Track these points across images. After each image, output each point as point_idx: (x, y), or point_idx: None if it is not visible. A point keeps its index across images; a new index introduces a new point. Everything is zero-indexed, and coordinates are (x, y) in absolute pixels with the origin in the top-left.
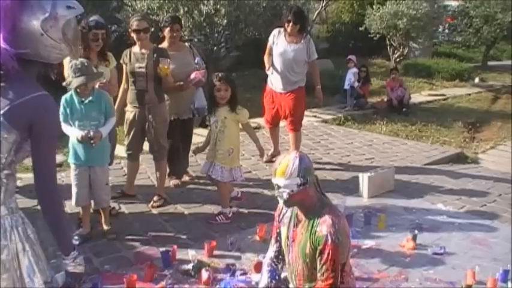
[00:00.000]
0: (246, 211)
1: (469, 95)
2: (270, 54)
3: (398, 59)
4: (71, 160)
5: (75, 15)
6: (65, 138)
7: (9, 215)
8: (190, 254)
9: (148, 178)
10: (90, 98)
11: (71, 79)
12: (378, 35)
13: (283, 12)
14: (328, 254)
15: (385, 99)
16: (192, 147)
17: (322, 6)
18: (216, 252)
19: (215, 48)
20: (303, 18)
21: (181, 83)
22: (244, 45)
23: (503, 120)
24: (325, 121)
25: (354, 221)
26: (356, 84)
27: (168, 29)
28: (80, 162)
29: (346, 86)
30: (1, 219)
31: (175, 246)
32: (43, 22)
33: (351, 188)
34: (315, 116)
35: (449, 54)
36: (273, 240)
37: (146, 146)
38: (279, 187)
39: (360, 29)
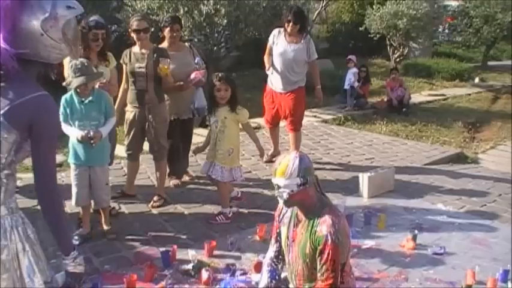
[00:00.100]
0: (246, 211)
1: (469, 95)
2: (270, 54)
3: (398, 59)
4: (71, 160)
5: (75, 15)
6: (65, 138)
7: (9, 215)
8: (190, 254)
9: (148, 178)
10: (90, 98)
11: (71, 79)
12: (378, 35)
13: (283, 12)
14: (328, 254)
15: (385, 99)
16: (192, 147)
17: (322, 6)
18: (216, 252)
19: (215, 48)
20: (303, 18)
21: (182, 83)
22: (244, 45)
23: (503, 120)
24: (325, 121)
25: (354, 221)
26: (356, 84)
27: (168, 29)
28: (80, 162)
29: (346, 86)
30: (1, 219)
31: (175, 246)
32: (43, 22)
33: (351, 188)
34: (315, 116)
35: (449, 54)
36: (273, 240)
37: (146, 146)
38: (279, 187)
39: (360, 29)
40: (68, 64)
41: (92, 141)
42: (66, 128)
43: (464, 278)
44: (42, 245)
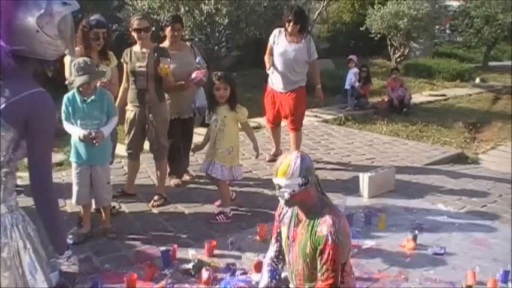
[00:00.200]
0: (246, 211)
1: (470, 95)
2: (271, 54)
3: (399, 59)
4: (72, 159)
5: (71, 12)
6: (65, 137)
7: (9, 213)
8: (191, 253)
9: (148, 177)
10: (93, 97)
11: (74, 78)
12: (378, 35)
13: (284, 12)
14: (329, 254)
15: (386, 99)
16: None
17: (323, 6)
18: (216, 252)
19: (216, 47)
20: (304, 18)
21: (183, 82)
22: (245, 45)
23: (503, 120)
24: (326, 121)
25: (354, 221)
26: (357, 84)
27: (169, 28)
28: (81, 161)
29: (347, 86)
30: (1, 217)
31: (175, 246)
32: (38, 19)
33: (351, 188)
34: (315, 116)
35: (450, 55)
36: (273, 240)
37: (147, 145)
38: (280, 187)
39: (361, 29)
40: (68, 63)
41: (94, 141)
42: (68, 127)
43: (465, 279)
44: (43, 244)
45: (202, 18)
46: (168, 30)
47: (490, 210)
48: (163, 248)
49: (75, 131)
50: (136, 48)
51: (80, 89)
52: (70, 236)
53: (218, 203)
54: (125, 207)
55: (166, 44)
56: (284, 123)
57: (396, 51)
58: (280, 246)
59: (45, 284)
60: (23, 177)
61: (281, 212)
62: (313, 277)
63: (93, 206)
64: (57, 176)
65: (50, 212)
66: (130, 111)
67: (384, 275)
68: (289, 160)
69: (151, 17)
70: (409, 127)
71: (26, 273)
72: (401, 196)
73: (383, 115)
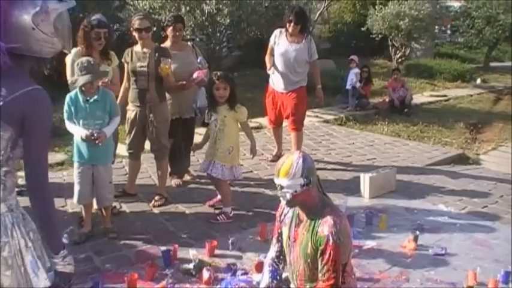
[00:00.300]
0: (247, 211)
1: (471, 96)
2: (272, 54)
3: (400, 60)
4: (74, 158)
5: (67, 9)
6: (66, 137)
7: (9, 212)
8: (191, 253)
9: (149, 177)
10: (95, 97)
11: (77, 77)
12: (380, 36)
13: (285, 12)
14: (330, 254)
15: (387, 100)
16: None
17: (324, 7)
18: (217, 252)
19: (217, 47)
20: (305, 18)
21: (184, 82)
22: (246, 45)
23: (504, 121)
24: (327, 121)
25: (355, 221)
26: (358, 84)
27: (170, 28)
28: (83, 160)
29: (348, 86)
30: (1, 217)
31: (176, 246)
32: (34, 16)
33: (352, 188)
34: (316, 116)
35: (451, 55)
36: (274, 240)
37: (148, 145)
38: (282, 187)
39: (362, 29)
40: (70, 63)
41: (97, 141)
42: (70, 127)
43: (466, 279)
44: (43, 244)
45: (204, 18)
46: (169, 30)
47: (491, 211)
48: (164, 248)
49: (78, 131)
50: (138, 48)
51: (83, 88)
52: (65, 236)
53: (212, 202)
54: (126, 207)
55: (167, 44)
56: (285, 123)
57: (397, 52)
58: (281, 246)
59: (47, 282)
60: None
61: (282, 212)
62: (314, 277)
63: (95, 206)
64: (58, 176)
65: (45, 211)
66: (131, 111)
67: (384, 275)
68: (291, 161)
69: (153, 17)
70: (410, 127)
71: (29, 271)
72: (402, 196)
73: (384, 115)
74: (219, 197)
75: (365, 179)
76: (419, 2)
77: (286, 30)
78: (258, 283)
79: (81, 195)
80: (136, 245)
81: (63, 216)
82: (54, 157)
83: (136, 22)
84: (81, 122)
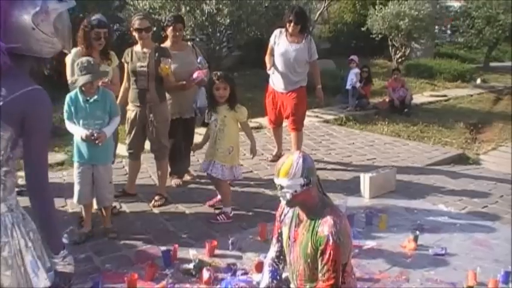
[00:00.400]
0: (247, 211)
1: (471, 96)
2: (272, 54)
3: (400, 60)
4: (74, 158)
5: (68, 9)
6: (66, 137)
7: (9, 212)
8: (191, 253)
9: (149, 177)
10: (96, 97)
11: (77, 77)
12: (380, 36)
13: (285, 12)
14: (330, 254)
15: (387, 100)
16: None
17: (324, 7)
18: (217, 252)
19: (217, 47)
20: (305, 18)
21: (184, 82)
22: (246, 45)
23: (504, 121)
24: (327, 121)
25: (355, 221)
26: (358, 84)
27: (170, 28)
28: (83, 160)
29: (348, 86)
30: (1, 217)
31: (176, 246)
32: (34, 16)
33: (352, 188)
34: (316, 116)
35: (451, 55)
36: (274, 240)
37: (148, 145)
38: (282, 187)
39: (362, 29)
40: (70, 63)
41: (97, 141)
42: (70, 127)
43: (466, 279)
44: (43, 244)
45: (204, 18)
46: (169, 30)
47: (491, 211)
48: (164, 248)
49: (78, 131)
50: (137, 48)
51: (83, 88)
52: (65, 236)
53: (211, 202)
54: (126, 207)
55: (167, 44)
56: (285, 123)
57: (397, 52)
58: (281, 246)
59: (47, 282)
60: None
61: (282, 212)
62: (314, 277)
63: (95, 206)
64: (58, 176)
65: (45, 212)
66: (131, 111)
67: (384, 275)
68: (292, 161)
69: (153, 17)
70: (410, 127)
71: (29, 272)
72: (402, 196)
73: (384, 115)
74: (218, 197)
75: (365, 179)
76: (419, 2)
77: (286, 30)
78: (258, 283)
79: (81, 195)
80: (136, 245)
81: (63, 216)
82: (54, 157)
83: (136, 22)
84: (81, 122)
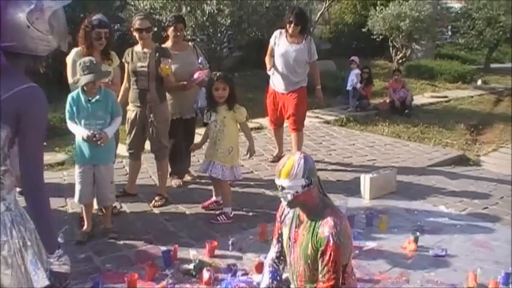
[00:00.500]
0: (247, 211)
1: (472, 97)
2: (272, 55)
3: (400, 61)
4: (76, 158)
5: (63, 6)
6: (67, 136)
7: (8, 211)
8: (192, 253)
9: (150, 177)
10: (97, 97)
11: (79, 76)
12: (380, 36)
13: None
14: (330, 255)
15: (388, 101)
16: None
17: (324, 7)
18: (217, 252)
19: (218, 48)
20: (305, 19)
21: (185, 82)
22: (246, 46)
23: (505, 122)
24: (327, 122)
25: (356, 222)
26: (358, 85)
27: (171, 28)
28: (85, 160)
29: (349, 87)
30: (1, 216)
31: (176, 246)
32: (29, 14)
33: (352, 189)
34: (317, 117)
35: (451, 56)
36: (274, 241)
37: (148, 145)
38: (283, 188)
39: (363, 30)
40: (71, 63)
41: (99, 142)
42: (71, 126)
43: (466, 281)
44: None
45: (204, 18)
46: (170, 31)
47: (491, 212)
48: (164, 248)
49: (79, 131)
50: (138, 48)
51: (85, 88)
52: (61, 235)
53: (206, 203)
54: (126, 207)
55: (168, 44)
56: (286, 124)
57: (398, 53)
58: (282, 247)
59: (46, 281)
60: None
61: (282, 213)
62: (314, 278)
63: (95, 206)
64: (59, 176)
65: (40, 211)
66: (132, 111)
67: (385, 276)
68: (293, 161)
69: (153, 17)
70: (411, 128)
71: (29, 270)
72: (402, 197)
73: (384, 116)
74: (213, 198)
75: (365, 180)
76: (420, 3)
77: (286, 31)
78: (258, 284)
79: (82, 195)
80: (137, 245)
81: (63, 216)
82: (54, 157)
83: (137, 22)
84: (82, 122)
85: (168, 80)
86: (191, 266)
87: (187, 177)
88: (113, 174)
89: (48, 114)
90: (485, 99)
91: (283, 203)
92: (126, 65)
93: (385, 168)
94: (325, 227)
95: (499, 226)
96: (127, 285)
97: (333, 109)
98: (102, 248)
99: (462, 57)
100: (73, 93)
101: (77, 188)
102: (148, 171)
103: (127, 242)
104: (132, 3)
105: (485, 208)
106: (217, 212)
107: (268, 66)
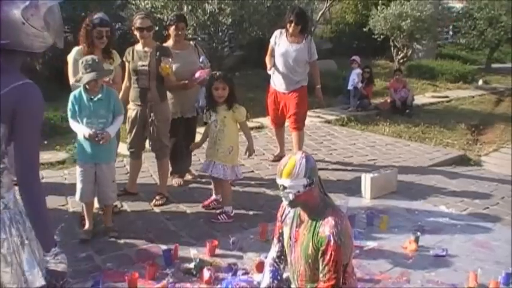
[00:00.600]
0: (248, 211)
1: (473, 97)
2: (272, 55)
3: (402, 60)
4: (77, 156)
5: (58, 3)
6: (68, 135)
7: (7, 209)
8: (192, 252)
9: (150, 176)
10: (99, 95)
11: (82, 75)
12: (381, 36)
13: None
14: (331, 254)
15: (389, 101)
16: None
17: (326, 7)
18: (218, 252)
19: (219, 47)
20: (305, 19)
21: (186, 81)
22: (247, 45)
23: (506, 123)
24: (328, 121)
25: (356, 222)
26: (359, 85)
27: (173, 27)
28: (86, 158)
29: (350, 87)
30: (0, 214)
31: (177, 245)
32: (23, 11)
33: (353, 188)
34: (318, 117)
35: (453, 56)
36: (275, 240)
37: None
38: (284, 188)
39: (364, 29)
40: (72, 62)
41: (101, 142)
42: (73, 125)
43: (466, 281)
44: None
45: (206, 17)
46: (171, 30)
47: (492, 212)
48: (165, 247)
49: (81, 130)
50: (139, 47)
51: (87, 86)
52: (57, 233)
53: (207, 202)
54: (127, 206)
55: (170, 43)
56: (287, 123)
57: (399, 53)
58: (282, 246)
59: (42, 281)
60: None
61: (283, 212)
62: (315, 278)
63: (96, 205)
64: (59, 175)
65: (35, 208)
66: (132, 110)
67: (385, 276)
68: (294, 161)
69: (155, 16)
70: (412, 128)
71: (25, 269)
72: (403, 197)
73: (385, 116)
74: (213, 197)
75: (366, 180)
76: (422, 3)
77: (287, 30)
78: (259, 283)
79: (83, 193)
80: (137, 244)
81: (63, 214)
82: (55, 155)
83: (138, 21)
84: (84, 120)
85: (169, 79)
86: (192, 265)
87: (188, 177)
88: (114, 173)
89: (44, 111)
90: (486, 99)
91: (285, 203)
92: (126, 63)
93: (386, 168)
94: (326, 227)
95: (499, 226)
96: (127, 284)
97: (334, 109)
98: (102, 246)
99: (463, 57)
100: (75, 92)
101: (78, 186)
102: (149, 170)
103: (128, 241)
104: (133, 2)
105: (486, 208)
106: (218, 211)
107: (268, 65)
